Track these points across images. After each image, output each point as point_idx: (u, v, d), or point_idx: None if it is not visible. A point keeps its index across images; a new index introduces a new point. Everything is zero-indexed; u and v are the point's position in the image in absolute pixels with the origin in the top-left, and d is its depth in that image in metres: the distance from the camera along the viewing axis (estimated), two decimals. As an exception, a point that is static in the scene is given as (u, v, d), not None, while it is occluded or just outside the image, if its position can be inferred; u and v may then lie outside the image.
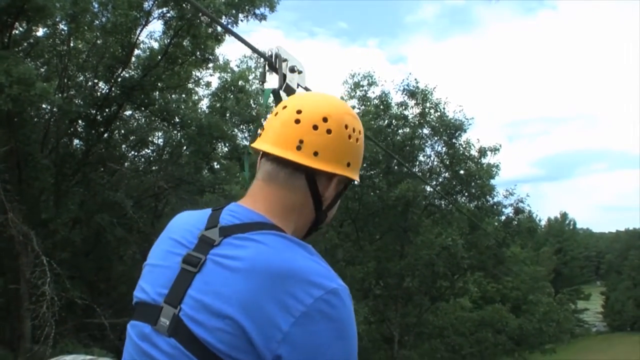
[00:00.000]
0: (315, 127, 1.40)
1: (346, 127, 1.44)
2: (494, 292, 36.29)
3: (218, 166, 24.11)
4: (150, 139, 22.90)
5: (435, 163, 25.23)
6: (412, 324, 24.26)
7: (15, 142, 15.28)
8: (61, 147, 18.95)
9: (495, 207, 25.58)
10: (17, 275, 16.18)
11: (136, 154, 23.43)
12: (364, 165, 22.76)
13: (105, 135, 19.29)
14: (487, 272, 27.54)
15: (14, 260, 16.52)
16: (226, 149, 23.24)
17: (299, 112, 1.42)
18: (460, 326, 25.48)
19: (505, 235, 24.77)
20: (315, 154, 1.40)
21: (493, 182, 24.59)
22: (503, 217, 26.16)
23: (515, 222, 25.90)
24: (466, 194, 25.12)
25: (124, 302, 21.62)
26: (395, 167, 23.60)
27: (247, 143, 23.96)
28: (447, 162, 24.58)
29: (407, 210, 22.55)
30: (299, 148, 1.39)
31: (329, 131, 1.41)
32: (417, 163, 25.02)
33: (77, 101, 17.27)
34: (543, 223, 66.44)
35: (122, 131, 21.95)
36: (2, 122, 15.25)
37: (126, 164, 22.02)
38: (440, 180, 25.34)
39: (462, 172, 24.21)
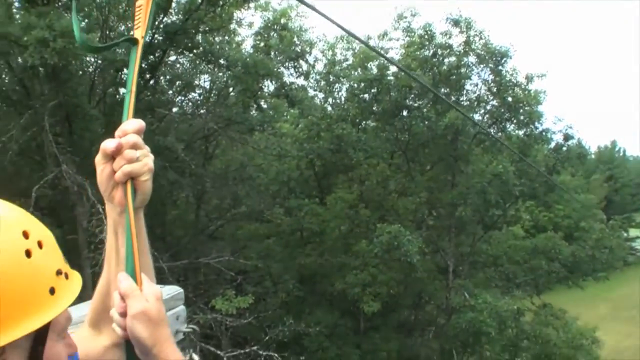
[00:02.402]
0: None
1: None
2: (545, 221, 36.08)
3: (265, 105, 24.13)
4: (196, 82, 22.98)
5: (483, 91, 24.89)
6: (466, 253, 24.35)
7: (63, 95, 15.52)
8: (108, 97, 19.22)
9: (544, 133, 25.23)
10: (74, 225, 16.62)
11: (183, 98, 23.57)
12: (412, 94, 22.64)
13: (152, 81, 19.44)
14: (538, 200, 27.36)
15: (70, 211, 16.97)
16: (273, 87, 23.24)
17: None
18: (514, 254, 25.43)
19: (555, 162, 24.52)
20: None
21: (540, 109, 24.25)
22: (552, 144, 25.85)
23: (565, 149, 25.62)
24: (514, 121, 24.81)
25: (180, 245, 22.14)
26: (443, 97, 23.44)
27: (293, 80, 24.01)
28: (495, 90, 24.24)
29: (457, 139, 22.41)
30: None
31: None
32: (465, 92, 24.73)
33: (120, 50, 17.41)
34: (592, 151, 65.57)
35: (168, 77, 22.05)
36: (49, 77, 15.53)
37: (174, 109, 22.16)
38: (489, 108, 25.03)
39: (509, 99, 23.86)
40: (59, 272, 1.22)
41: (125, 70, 19.00)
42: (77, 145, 16.63)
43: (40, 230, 1.23)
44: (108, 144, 1.48)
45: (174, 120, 21.35)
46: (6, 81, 19.39)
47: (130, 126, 1.51)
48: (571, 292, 30.32)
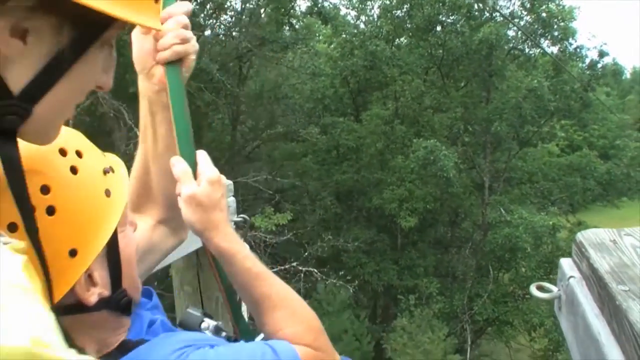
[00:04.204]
0: None
1: None
2: (580, 140, 35.84)
3: (298, 26, 23.97)
4: (227, 5, 22.83)
5: (516, 7, 24.50)
6: (501, 169, 24.30)
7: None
8: (142, 21, 19.13)
9: (578, 50, 24.88)
10: (112, 150, 16.80)
11: (215, 21, 23.45)
12: (444, 8, 22.38)
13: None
14: (573, 116, 27.08)
15: (107, 136, 17.13)
16: (305, 5, 23.07)
17: None
18: (549, 171, 25.38)
19: (590, 79, 24.22)
20: None
21: (575, 25, 23.86)
22: (587, 61, 25.51)
23: (600, 65, 25.30)
24: (549, 37, 24.43)
25: (217, 167, 22.30)
26: (477, 13, 23.17)
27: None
28: (527, 5, 23.84)
29: (491, 55, 22.15)
30: None
31: None
32: (498, 7, 24.34)
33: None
34: (628, 71, 64.07)
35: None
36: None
37: (206, 32, 22.09)
38: (522, 24, 24.64)
39: (543, 14, 23.46)
40: (105, 171, 1.21)
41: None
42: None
43: (73, 139, 1.20)
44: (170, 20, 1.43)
45: (207, 42, 21.30)
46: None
47: (179, 8, 1.46)
48: (606, 211, 30.30)
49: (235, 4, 23.13)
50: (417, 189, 21.16)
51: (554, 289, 1.39)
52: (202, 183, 1.41)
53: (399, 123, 22.87)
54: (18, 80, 0.86)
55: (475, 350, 23.06)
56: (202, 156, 1.47)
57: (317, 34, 25.19)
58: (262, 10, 22.34)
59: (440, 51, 22.90)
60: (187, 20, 1.45)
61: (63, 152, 1.13)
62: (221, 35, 22.29)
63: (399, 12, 23.02)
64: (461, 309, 21.34)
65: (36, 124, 0.92)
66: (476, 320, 21.92)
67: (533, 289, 1.39)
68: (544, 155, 26.73)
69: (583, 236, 1.32)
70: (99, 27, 0.93)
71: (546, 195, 25.29)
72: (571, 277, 1.29)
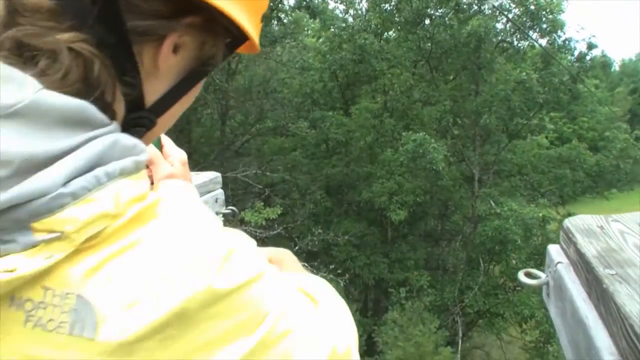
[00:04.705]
0: None
1: None
2: (570, 133, 35.93)
3: (286, 20, 23.95)
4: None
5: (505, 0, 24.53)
6: (490, 162, 24.33)
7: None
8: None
9: (566, 42, 24.95)
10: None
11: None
12: (433, 1, 22.40)
13: None
14: (562, 108, 27.15)
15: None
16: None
17: None
18: (539, 163, 25.42)
19: (579, 71, 24.28)
20: None
21: (563, 17, 23.90)
22: (576, 53, 25.57)
23: (588, 58, 25.37)
24: (537, 29, 24.48)
25: (206, 162, 22.31)
26: (465, 6, 23.19)
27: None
28: (516, -2, 23.90)
29: (480, 47, 22.18)
30: None
31: None
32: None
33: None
34: (616, 64, 64.26)
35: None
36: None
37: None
38: (511, 16, 24.67)
39: (532, 7, 23.50)
40: None
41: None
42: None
43: None
44: None
45: (196, 37, 21.28)
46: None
47: None
48: (596, 203, 30.36)
49: (224, -2, 23.13)
50: (406, 182, 21.20)
51: (542, 275, 1.40)
52: (176, 164, 1.41)
53: (388, 116, 22.87)
54: (153, 93, 0.88)
55: (467, 343, 23.16)
56: (167, 140, 1.47)
57: (305, 28, 25.21)
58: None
59: (429, 44, 22.89)
60: None
61: None
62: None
63: (387, 5, 22.95)
64: (452, 301, 21.38)
65: (152, 133, 0.94)
66: (467, 312, 22.00)
67: (521, 276, 1.40)
68: (533, 147, 26.73)
69: (570, 222, 1.33)
70: (234, 46, 0.95)
71: (536, 187, 25.36)
72: (559, 262, 1.29)
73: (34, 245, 0.64)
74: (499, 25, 23.94)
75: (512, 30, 24.15)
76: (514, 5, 24.27)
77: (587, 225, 1.29)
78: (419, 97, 23.36)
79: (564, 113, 30.21)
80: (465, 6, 23.20)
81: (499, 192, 23.35)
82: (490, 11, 23.73)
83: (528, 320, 21.92)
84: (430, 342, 17.84)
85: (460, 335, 21.03)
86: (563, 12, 23.80)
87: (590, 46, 25.31)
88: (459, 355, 20.23)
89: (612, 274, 1.01)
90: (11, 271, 0.62)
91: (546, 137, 30.91)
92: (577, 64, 24.48)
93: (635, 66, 74.91)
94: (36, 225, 0.64)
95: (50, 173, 0.65)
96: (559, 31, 24.18)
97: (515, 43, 25.09)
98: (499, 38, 24.02)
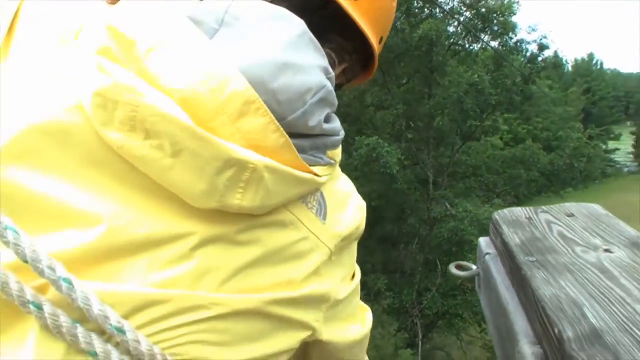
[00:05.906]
0: None
1: None
2: (524, 134, 36.29)
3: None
4: None
5: (456, 3, 24.75)
6: (445, 164, 24.48)
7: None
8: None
9: (518, 44, 25.26)
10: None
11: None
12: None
13: None
14: (515, 108, 27.43)
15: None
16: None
17: None
18: (493, 164, 25.67)
19: (531, 71, 24.59)
20: None
21: (515, 19, 24.23)
22: (527, 55, 25.89)
23: (540, 59, 25.70)
24: (488, 32, 24.75)
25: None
26: (417, 10, 23.33)
27: None
28: (467, 1, 24.10)
29: (432, 51, 22.35)
30: None
31: None
32: (439, 2, 24.56)
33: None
34: (569, 64, 65.30)
35: None
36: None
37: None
38: (462, 19, 24.91)
39: (483, 10, 23.77)
40: None
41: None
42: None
43: None
44: None
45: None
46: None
47: None
48: (551, 202, 29.96)
49: None
50: (361, 186, 21.12)
51: (473, 267, 1.42)
52: None
53: (341, 121, 22.86)
54: None
55: (427, 344, 23.24)
56: None
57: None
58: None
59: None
60: None
61: None
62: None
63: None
64: (410, 303, 21.49)
65: None
66: (426, 314, 22.10)
67: (452, 268, 1.42)
68: (487, 148, 26.94)
69: (499, 215, 1.36)
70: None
71: (491, 187, 25.57)
72: (487, 254, 1.33)
73: (325, 164, 0.91)
74: (451, 29, 24.16)
75: (463, 33, 24.36)
76: (464, 9, 24.55)
77: (515, 216, 1.32)
78: (372, 101, 23.44)
79: (517, 114, 30.53)
80: (416, 10, 23.34)
81: (454, 193, 23.55)
82: (441, 15, 23.96)
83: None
84: (389, 344, 17.91)
85: (420, 336, 21.13)
86: (514, 14, 24.14)
87: (542, 47, 25.64)
88: (419, 357, 20.34)
89: (532, 261, 1.04)
90: (319, 176, 0.88)
91: (500, 138, 31.21)
92: (529, 65, 24.77)
93: (588, 66, 76.38)
94: (329, 152, 0.94)
95: (336, 118, 0.96)
96: (510, 33, 24.45)
97: (467, 46, 25.34)
98: (451, 41, 24.22)
